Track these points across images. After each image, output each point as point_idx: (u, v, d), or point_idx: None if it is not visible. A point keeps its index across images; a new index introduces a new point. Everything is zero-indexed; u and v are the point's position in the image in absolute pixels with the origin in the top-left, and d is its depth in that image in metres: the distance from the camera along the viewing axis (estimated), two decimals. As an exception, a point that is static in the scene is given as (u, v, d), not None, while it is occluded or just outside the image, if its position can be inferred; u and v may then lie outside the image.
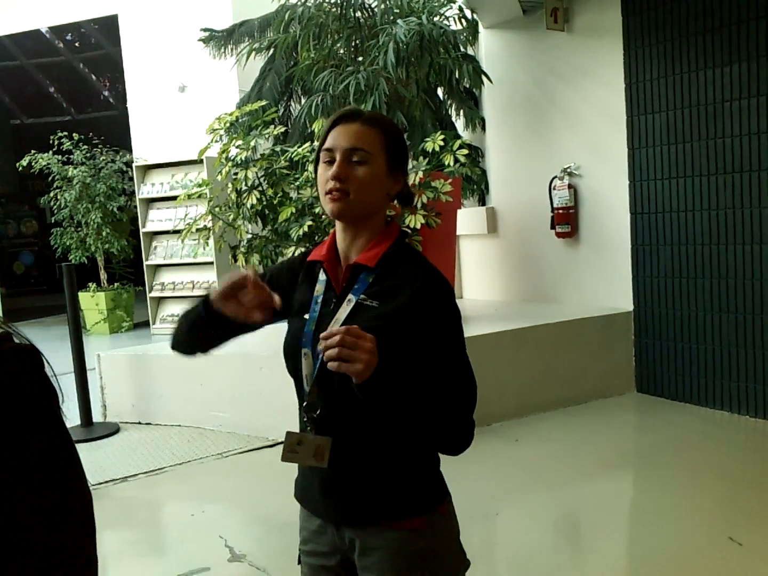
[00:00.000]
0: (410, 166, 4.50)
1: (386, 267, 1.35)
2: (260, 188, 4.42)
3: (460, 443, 1.33)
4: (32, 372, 0.84)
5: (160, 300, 8.38)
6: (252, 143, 4.25)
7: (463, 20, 5.60)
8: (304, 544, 1.46)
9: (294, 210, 4.25)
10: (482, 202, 6.27)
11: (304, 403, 1.35)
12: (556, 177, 5.32)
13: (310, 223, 4.17)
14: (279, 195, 4.35)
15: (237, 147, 4.37)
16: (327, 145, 1.35)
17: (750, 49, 4.22)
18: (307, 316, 1.38)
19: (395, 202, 1.46)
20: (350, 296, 1.34)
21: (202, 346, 1.48)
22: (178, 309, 8.20)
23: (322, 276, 1.40)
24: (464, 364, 1.34)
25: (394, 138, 1.37)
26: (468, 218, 5.98)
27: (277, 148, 4.49)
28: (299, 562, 1.48)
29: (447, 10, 5.44)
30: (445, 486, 1.42)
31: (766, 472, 3.68)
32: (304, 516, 1.46)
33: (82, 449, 3.86)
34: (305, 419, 1.35)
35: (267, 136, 4.40)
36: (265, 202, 4.39)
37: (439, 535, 1.36)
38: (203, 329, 1.40)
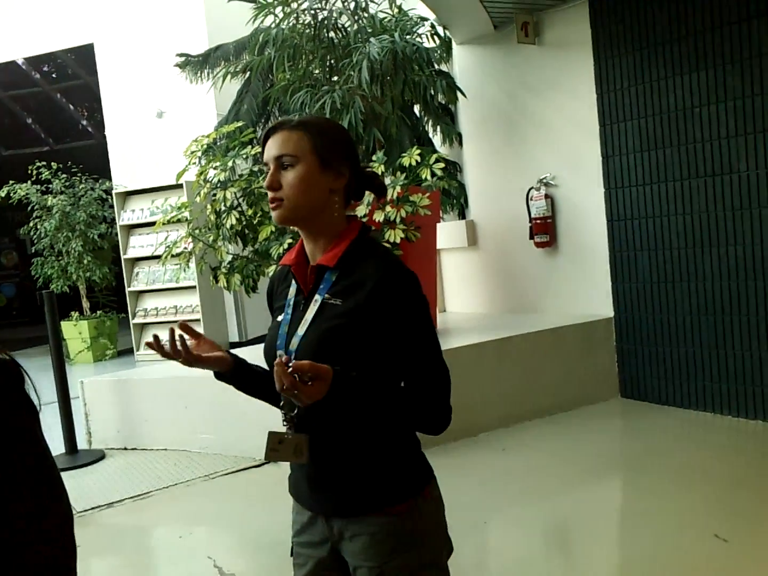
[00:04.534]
0: (388, 181, 4.55)
1: (347, 265, 1.39)
2: (239, 208, 4.44)
3: (437, 425, 1.38)
4: (11, 388, 0.84)
5: (143, 326, 8.35)
6: (230, 164, 4.28)
7: (435, 37, 5.68)
8: (296, 535, 1.51)
9: (273, 229, 4.27)
10: (462, 216, 6.32)
11: (281, 403, 1.40)
12: (532, 188, 5.38)
13: (290, 241, 4.18)
14: (258, 214, 4.37)
15: (215, 168, 4.40)
16: (264, 160, 1.42)
17: (716, 56, 4.32)
18: (280, 319, 1.46)
19: (372, 196, 1.50)
20: (316, 296, 1.40)
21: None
22: (162, 335, 8.14)
23: (293, 280, 1.47)
24: (432, 350, 1.37)
25: (321, 135, 1.39)
26: (448, 232, 6.03)
27: (255, 168, 4.52)
28: (292, 553, 1.53)
29: (419, 27, 5.52)
30: (428, 468, 1.46)
31: (751, 471, 3.71)
32: (297, 509, 1.51)
33: (66, 477, 3.83)
34: (284, 419, 1.40)
35: (245, 156, 4.43)
36: (244, 222, 4.41)
37: (423, 518, 1.40)
38: (251, 392, 1.53)
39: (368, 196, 4.26)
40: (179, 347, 1.41)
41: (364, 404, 1.31)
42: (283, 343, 1.41)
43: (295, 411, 1.38)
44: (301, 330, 1.39)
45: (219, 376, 1.49)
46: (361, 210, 4.09)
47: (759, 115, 4.16)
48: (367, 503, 1.38)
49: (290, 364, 1.22)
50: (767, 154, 4.16)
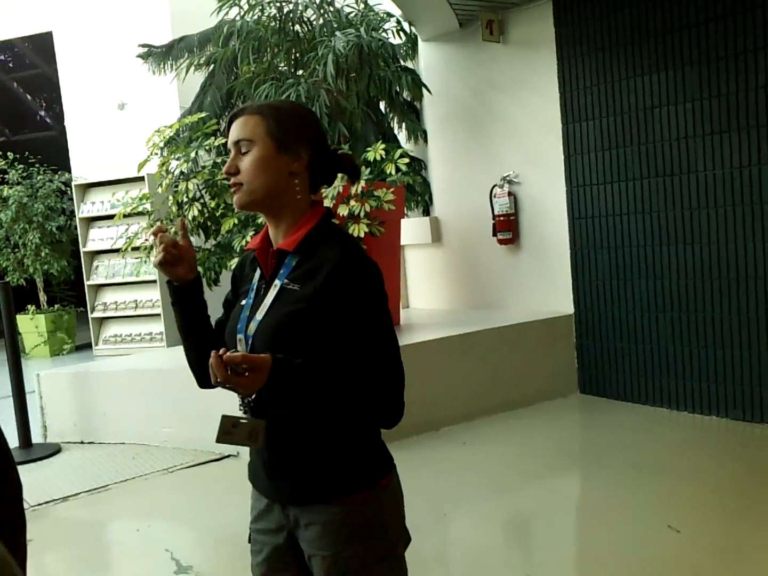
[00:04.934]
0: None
1: (307, 250, 1.39)
2: (202, 200, 4.39)
3: (387, 419, 1.36)
4: None
5: (102, 321, 8.21)
6: (192, 155, 4.23)
7: (401, 33, 5.70)
8: (254, 522, 1.51)
9: (236, 221, 4.24)
10: (426, 213, 6.34)
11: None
12: (496, 185, 5.42)
13: (252, 233, 4.15)
14: (221, 206, 4.34)
15: (177, 159, 4.35)
16: (228, 146, 1.44)
17: (676, 57, 4.40)
18: (243, 303, 1.45)
19: (343, 178, 1.51)
20: (276, 281, 1.39)
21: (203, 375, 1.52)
22: (121, 330, 8.05)
23: (257, 264, 1.47)
24: (385, 341, 1.35)
25: (277, 118, 1.39)
26: (412, 228, 6.05)
27: (219, 160, 4.47)
28: (249, 540, 1.52)
29: (385, 23, 5.53)
30: (387, 457, 1.45)
31: (705, 465, 3.80)
32: (254, 495, 1.51)
33: (20, 471, 3.74)
34: (241, 403, 1.39)
35: (208, 147, 4.38)
36: (207, 214, 4.36)
37: (379, 508, 1.39)
38: (188, 330, 1.52)
39: (333, 189, 4.25)
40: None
41: (307, 393, 1.29)
42: (243, 327, 1.40)
43: (252, 396, 1.36)
44: (260, 315, 1.38)
45: (172, 286, 1.49)
46: (325, 203, 4.08)
47: (716, 117, 4.26)
48: (322, 492, 1.37)
49: (222, 357, 1.22)
50: (724, 154, 4.25)
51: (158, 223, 1.50)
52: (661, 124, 4.50)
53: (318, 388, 1.30)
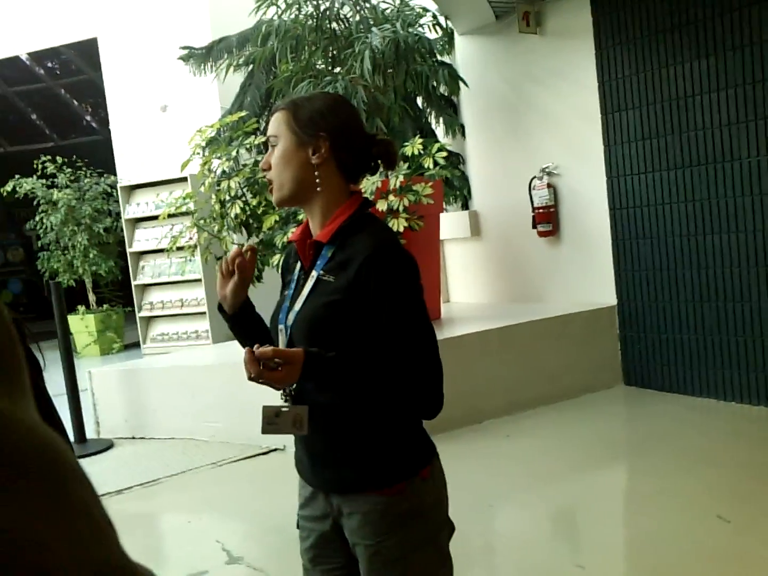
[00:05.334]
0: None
1: (341, 240, 1.40)
2: (244, 198, 4.48)
3: (426, 409, 1.37)
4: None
5: (149, 320, 8.39)
6: (233, 153, 4.31)
7: (437, 28, 5.70)
8: (301, 509, 1.53)
9: (278, 218, 4.31)
10: (465, 207, 6.34)
11: None
12: (535, 177, 5.40)
13: (293, 229, 4.22)
14: (262, 204, 4.41)
15: (219, 158, 4.43)
16: None
17: (717, 43, 4.33)
18: (286, 293, 1.49)
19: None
20: (313, 272, 1.42)
21: None
22: (168, 328, 8.22)
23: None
24: (420, 332, 1.35)
25: (297, 112, 1.41)
26: (451, 222, 6.05)
27: (259, 158, 4.55)
28: (297, 526, 1.55)
29: (421, 18, 5.54)
30: (429, 446, 1.46)
31: (753, 455, 3.74)
32: (301, 483, 1.53)
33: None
34: (282, 392, 1.42)
35: (248, 146, 4.46)
36: (248, 212, 4.44)
37: (420, 498, 1.40)
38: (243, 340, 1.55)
39: (372, 185, 4.29)
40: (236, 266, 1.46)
41: (342, 385, 1.32)
42: (284, 317, 1.44)
43: (293, 385, 1.39)
44: (298, 305, 1.41)
45: (221, 309, 1.53)
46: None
47: (760, 102, 4.18)
48: (363, 481, 1.39)
49: (255, 352, 1.25)
50: (768, 140, 4.18)
51: (250, 244, 1.56)
52: (702, 112, 4.44)
53: (352, 380, 1.32)
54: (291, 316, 1.42)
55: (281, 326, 1.44)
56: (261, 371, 1.25)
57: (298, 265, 1.49)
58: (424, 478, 1.41)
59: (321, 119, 1.41)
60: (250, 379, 1.27)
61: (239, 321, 1.52)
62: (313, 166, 1.40)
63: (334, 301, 1.35)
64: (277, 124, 1.42)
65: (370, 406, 1.37)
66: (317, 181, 1.40)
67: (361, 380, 1.32)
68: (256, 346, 1.28)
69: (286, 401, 1.41)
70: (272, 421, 1.39)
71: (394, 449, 1.41)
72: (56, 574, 0.32)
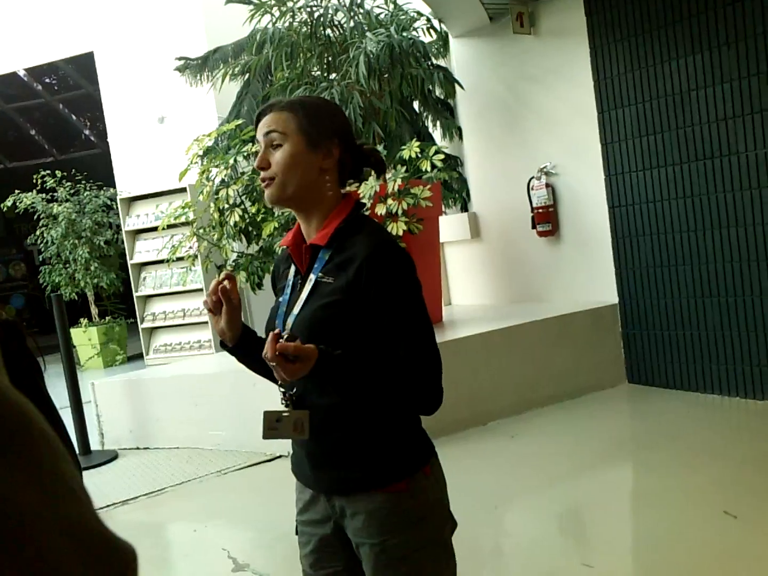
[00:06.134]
0: (389, 174, 4.58)
1: (339, 243, 1.40)
2: (242, 206, 4.48)
3: (426, 405, 1.38)
4: (11, 343, 0.87)
5: (152, 330, 8.40)
6: (231, 161, 4.32)
7: (431, 31, 5.71)
8: (300, 514, 1.52)
9: (277, 225, 4.31)
10: (464, 209, 6.34)
11: (279, 382, 1.41)
12: (533, 177, 5.40)
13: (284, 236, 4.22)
14: (261, 211, 4.41)
15: (216, 167, 4.44)
16: (256, 139, 1.44)
17: (711, 38, 4.33)
18: (281, 299, 1.49)
19: (371, 173, 1.52)
20: (311, 276, 1.42)
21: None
22: (170, 338, 8.22)
23: (292, 260, 1.50)
24: (420, 329, 1.37)
25: (308, 114, 1.40)
26: (451, 225, 6.05)
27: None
28: (297, 532, 1.54)
29: (415, 22, 5.55)
30: (428, 445, 1.47)
31: (758, 450, 3.72)
32: (299, 488, 1.53)
33: (81, 476, 3.86)
34: (283, 397, 1.42)
35: (245, 154, 4.47)
36: (248, 219, 4.45)
37: (423, 495, 1.41)
38: (253, 368, 1.55)
39: (370, 189, 4.29)
40: (219, 294, 1.41)
41: (348, 382, 1.32)
42: (281, 323, 1.44)
43: (294, 389, 1.40)
44: (296, 309, 1.41)
45: (224, 345, 1.50)
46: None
47: (756, 95, 4.18)
48: (367, 481, 1.39)
49: (279, 340, 1.25)
50: (765, 133, 4.17)
51: (226, 271, 1.48)
52: (699, 107, 4.44)
53: (357, 377, 1.33)
54: (290, 320, 1.42)
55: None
56: (277, 356, 1.25)
57: (292, 270, 1.49)
58: (426, 475, 1.42)
59: (334, 124, 1.43)
60: (265, 357, 1.27)
61: (245, 349, 1.50)
62: (321, 169, 1.40)
63: (334, 301, 1.35)
64: (282, 123, 1.39)
65: (373, 403, 1.38)
66: (328, 185, 1.41)
67: (366, 377, 1.33)
68: (277, 330, 1.29)
69: (286, 406, 1.41)
70: (273, 426, 1.39)
71: (396, 447, 1.42)
72: (27, 529, 0.31)
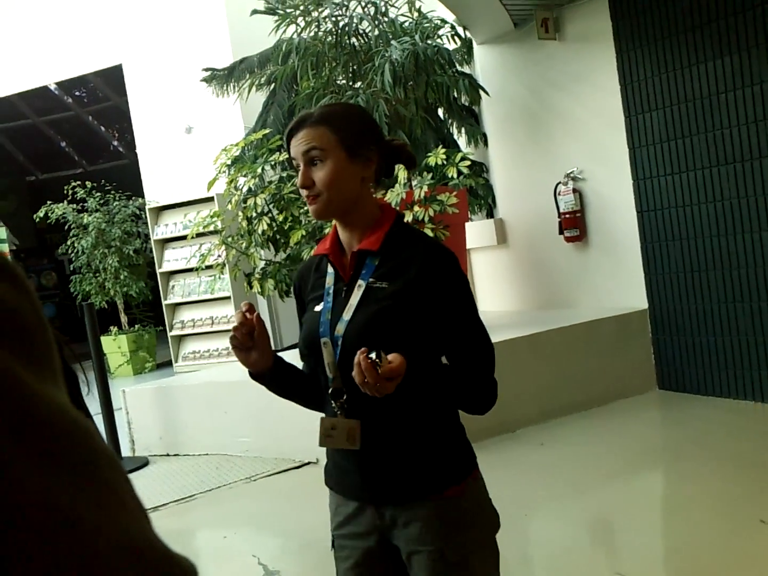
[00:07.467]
0: (415, 182, 4.59)
1: (390, 248, 1.41)
2: (270, 214, 4.52)
3: (486, 403, 1.42)
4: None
5: (181, 338, 8.49)
6: (258, 171, 4.36)
7: (456, 38, 5.72)
8: (338, 528, 1.49)
9: (304, 233, 4.34)
10: (490, 215, 6.33)
11: (330, 390, 1.41)
12: (560, 183, 5.37)
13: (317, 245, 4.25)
14: (289, 219, 4.44)
15: (244, 176, 4.49)
16: (292, 156, 1.43)
17: (740, 41, 4.29)
18: (319, 308, 1.45)
19: (402, 168, 1.52)
20: (360, 281, 1.40)
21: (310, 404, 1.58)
22: (199, 346, 8.30)
23: (329, 269, 1.47)
24: (478, 327, 1.40)
25: (344, 126, 1.40)
26: (477, 231, 6.04)
27: (284, 174, 4.59)
28: (333, 546, 1.51)
29: (440, 29, 5.57)
30: (473, 452, 1.49)
31: (795, 456, 3.66)
32: (338, 500, 1.49)
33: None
34: (334, 405, 1.41)
35: (272, 163, 4.51)
36: (275, 228, 4.48)
37: (475, 498, 1.43)
38: (284, 395, 1.55)
39: (396, 196, 4.31)
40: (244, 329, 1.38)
41: (417, 387, 1.33)
42: (327, 330, 1.41)
43: (344, 397, 1.39)
44: (347, 315, 1.39)
45: (254, 376, 1.47)
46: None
47: (786, 97, 4.12)
48: (421, 488, 1.39)
49: (379, 365, 1.22)
50: (797, 135, 4.12)
51: (245, 302, 1.44)
52: (728, 110, 4.39)
53: (428, 379, 1.35)
54: (340, 327, 1.39)
55: (325, 339, 1.41)
56: (380, 379, 1.22)
57: (330, 277, 1.46)
58: (475, 479, 1.44)
59: (369, 130, 1.44)
60: (361, 384, 1.25)
61: (278, 377, 1.48)
62: (363, 179, 1.42)
63: (390, 305, 1.35)
64: (319, 138, 1.37)
65: (435, 405, 1.40)
66: (371, 191, 1.45)
67: (432, 380, 1.37)
68: (364, 350, 1.24)
69: (338, 413, 1.40)
70: (329, 434, 1.38)
71: (450, 451, 1.43)
72: (88, 544, 0.32)
